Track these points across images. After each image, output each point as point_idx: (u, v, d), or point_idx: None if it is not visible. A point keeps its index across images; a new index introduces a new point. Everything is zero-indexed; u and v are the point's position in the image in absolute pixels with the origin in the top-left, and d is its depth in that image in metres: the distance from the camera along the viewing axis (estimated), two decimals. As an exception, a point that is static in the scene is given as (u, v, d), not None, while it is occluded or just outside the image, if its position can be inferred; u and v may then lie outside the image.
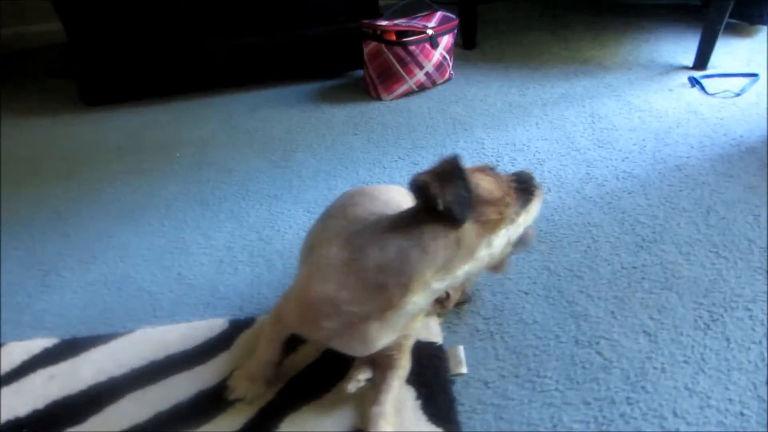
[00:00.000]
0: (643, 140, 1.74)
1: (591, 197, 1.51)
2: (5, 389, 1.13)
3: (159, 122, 2.27)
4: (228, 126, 2.14)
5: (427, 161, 1.75)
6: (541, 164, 1.68)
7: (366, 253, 0.80)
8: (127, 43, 2.31)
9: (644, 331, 1.12)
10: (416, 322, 0.93)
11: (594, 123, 1.86)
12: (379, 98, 2.16)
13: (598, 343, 1.10)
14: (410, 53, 2.08)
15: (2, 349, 1.22)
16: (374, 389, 0.98)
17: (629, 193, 1.51)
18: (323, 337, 0.89)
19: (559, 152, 1.73)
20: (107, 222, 1.63)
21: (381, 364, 0.98)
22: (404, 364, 0.98)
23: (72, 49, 2.30)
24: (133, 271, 1.41)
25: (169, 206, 1.66)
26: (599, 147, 1.73)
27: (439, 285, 0.82)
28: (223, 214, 1.60)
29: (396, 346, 0.94)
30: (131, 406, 1.06)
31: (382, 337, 0.86)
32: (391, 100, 2.14)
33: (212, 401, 1.05)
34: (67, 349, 1.20)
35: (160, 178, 1.82)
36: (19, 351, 1.21)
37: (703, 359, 1.05)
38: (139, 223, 1.60)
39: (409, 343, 0.98)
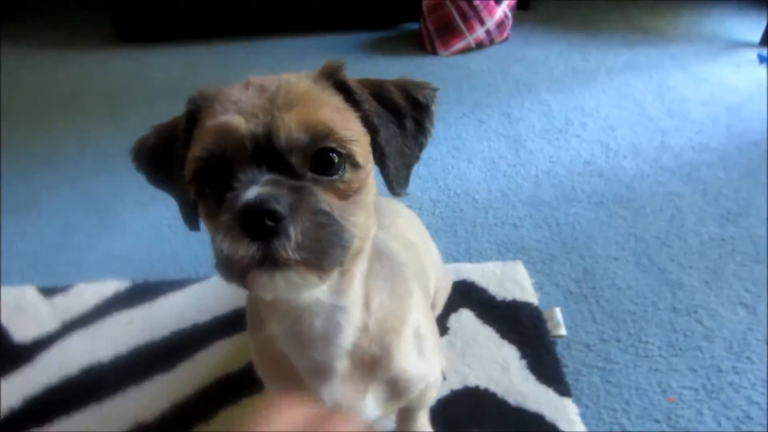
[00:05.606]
0: (716, 114, 1.69)
1: (669, 167, 1.47)
2: (82, 331, 1.08)
3: (203, 63, 2.18)
4: (278, 72, 2.06)
5: (493, 120, 1.69)
6: (612, 130, 1.63)
7: None
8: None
9: (741, 303, 1.09)
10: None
11: (663, 93, 1.80)
12: (435, 53, 2.08)
13: (696, 312, 1.08)
14: (474, 8, 1.99)
15: (71, 290, 1.17)
16: None
17: (707, 165, 1.47)
18: None
19: (629, 120, 1.67)
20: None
21: None
22: None
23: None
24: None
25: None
26: (671, 117, 1.68)
27: None
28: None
29: None
30: (219, 353, 1.03)
31: None
32: (447, 55, 2.07)
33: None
34: (141, 292, 1.16)
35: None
36: (90, 293, 1.16)
37: (806, 334, 1.03)
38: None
39: None
